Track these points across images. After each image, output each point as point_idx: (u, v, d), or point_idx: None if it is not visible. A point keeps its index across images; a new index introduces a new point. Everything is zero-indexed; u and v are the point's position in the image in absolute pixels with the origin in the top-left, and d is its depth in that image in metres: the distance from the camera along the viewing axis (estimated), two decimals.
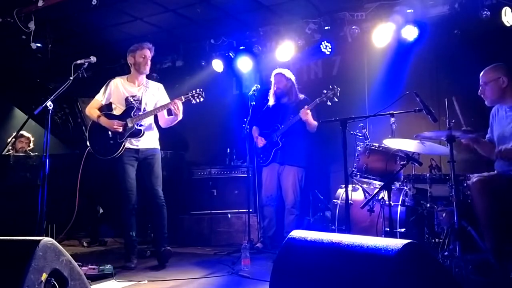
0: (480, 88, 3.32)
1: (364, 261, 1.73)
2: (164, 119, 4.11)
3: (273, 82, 4.82)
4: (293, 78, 4.81)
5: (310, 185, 5.15)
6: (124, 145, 3.90)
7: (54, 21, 5.45)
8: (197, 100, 3.98)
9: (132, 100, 3.98)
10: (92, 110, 4.03)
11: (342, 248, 1.83)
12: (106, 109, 4.06)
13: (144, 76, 4.12)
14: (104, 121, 3.94)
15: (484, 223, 2.94)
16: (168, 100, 4.08)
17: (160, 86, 4.20)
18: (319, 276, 1.82)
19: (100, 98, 4.06)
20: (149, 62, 4.06)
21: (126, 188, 3.92)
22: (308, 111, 4.43)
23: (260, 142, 4.76)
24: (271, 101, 4.85)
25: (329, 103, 4.38)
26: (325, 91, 4.39)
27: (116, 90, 4.05)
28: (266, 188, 4.76)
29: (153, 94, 4.09)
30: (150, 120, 4.07)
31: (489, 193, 2.92)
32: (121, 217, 3.98)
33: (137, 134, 3.93)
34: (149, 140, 4.04)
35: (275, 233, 4.73)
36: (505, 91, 3.21)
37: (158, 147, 4.15)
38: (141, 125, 3.96)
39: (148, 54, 4.05)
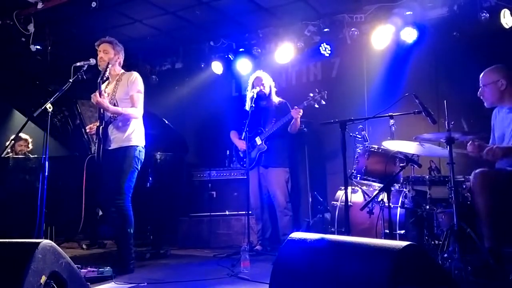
0: (480, 89, 3.33)
1: (364, 263, 1.73)
2: None
3: (253, 85, 4.78)
4: (271, 81, 4.86)
5: (310, 187, 5.15)
6: (99, 149, 3.74)
7: (53, 23, 5.46)
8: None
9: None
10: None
11: (341, 250, 1.83)
12: None
13: (114, 70, 3.88)
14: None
15: (484, 219, 2.94)
16: (133, 88, 3.81)
17: (130, 76, 3.84)
18: (318, 278, 1.82)
19: None
20: (104, 57, 3.81)
21: (99, 191, 3.86)
22: (301, 110, 4.44)
23: (243, 145, 4.73)
24: (249, 105, 4.68)
25: (316, 105, 4.42)
26: (311, 94, 4.44)
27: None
28: (253, 191, 4.74)
29: (121, 85, 3.84)
30: (124, 117, 3.78)
31: (490, 187, 2.92)
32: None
33: (102, 134, 3.73)
34: (118, 140, 3.78)
35: (271, 234, 4.76)
36: (503, 93, 3.22)
37: (133, 144, 3.79)
38: (106, 124, 3.76)
39: (102, 48, 3.84)
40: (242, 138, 4.74)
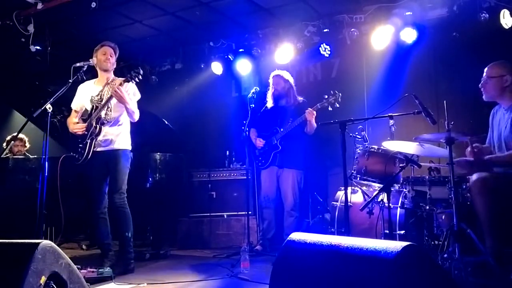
0: (482, 81, 3.30)
1: (364, 264, 1.73)
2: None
3: (271, 83, 4.80)
4: (291, 80, 4.79)
5: (310, 187, 5.14)
6: (90, 148, 3.73)
7: (53, 24, 5.46)
8: (136, 80, 3.73)
9: (95, 99, 3.83)
10: (68, 120, 3.95)
11: (341, 250, 1.83)
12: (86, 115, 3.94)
13: (109, 73, 3.93)
14: (70, 127, 3.87)
15: (485, 222, 2.94)
16: (134, 95, 3.88)
17: (128, 83, 3.83)
18: (318, 278, 1.82)
19: (73, 106, 3.98)
20: (111, 59, 3.88)
21: (91, 193, 3.84)
22: (314, 111, 4.42)
23: (259, 143, 4.75)
24: (270, 103, 4.82)
25: (330, 108, 4.38)
26: (326, 96, 4.38)
27: (83, 93, 3.93)
28: (265, 190, 4.76)
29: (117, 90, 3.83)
30: (117, 120, 3.84)
31: (489, 191, 2.93)
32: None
33: (98, 133, 3.74)
34: (114, 142, 3.82)
35: (274, 235, 4.73)
36: (505, 90, 3.22)
37: (124, 147, 3.87)
38: (102, 123, 3.76)
39: (109, 51, 3.88)
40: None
